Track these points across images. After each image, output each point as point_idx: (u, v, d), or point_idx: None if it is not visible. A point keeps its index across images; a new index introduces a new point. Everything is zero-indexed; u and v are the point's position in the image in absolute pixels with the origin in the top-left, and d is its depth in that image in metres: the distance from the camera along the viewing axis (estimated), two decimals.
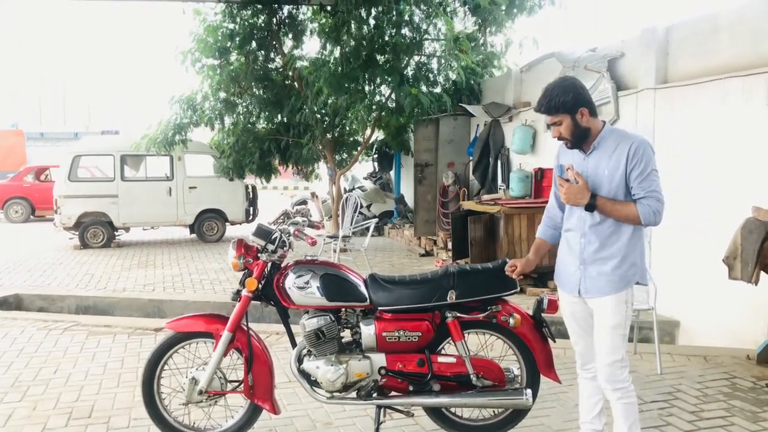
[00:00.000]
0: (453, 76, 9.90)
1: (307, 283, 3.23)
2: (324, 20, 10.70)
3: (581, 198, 2.78)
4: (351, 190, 13.26)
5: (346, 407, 3.82)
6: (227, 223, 12.31)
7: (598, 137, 2.86)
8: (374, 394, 3.26)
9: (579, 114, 2.80)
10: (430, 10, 9.36)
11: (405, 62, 9.93)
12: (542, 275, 7.50)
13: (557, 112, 2.80)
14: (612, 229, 2.84)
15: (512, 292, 3.27)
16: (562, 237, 3.05)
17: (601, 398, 3.07)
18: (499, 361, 3.36)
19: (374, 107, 10.20)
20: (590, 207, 2.79)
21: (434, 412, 3.42)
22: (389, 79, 9.58)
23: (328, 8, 10.32)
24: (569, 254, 2.98)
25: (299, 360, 3.32)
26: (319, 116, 10.77)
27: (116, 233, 11.85)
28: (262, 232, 3.30)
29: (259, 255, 3.28)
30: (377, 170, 15.10)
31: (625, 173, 2.78)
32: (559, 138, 2.88)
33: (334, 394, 3.27)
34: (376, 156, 14.83)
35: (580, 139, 2.85)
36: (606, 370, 2.87)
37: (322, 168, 13.83)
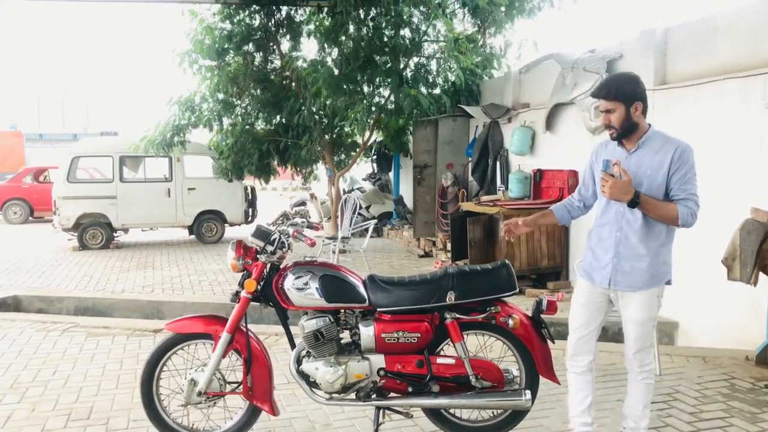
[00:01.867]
0: (452, 77, 9.91)
1: (306, 284, 3.23)
2: (320, 21, 10.70)
3: (626, 194, 2.82)
4: (350, 192, 13.27)
5: (345, 408, 3.82)
6: (226, 225, 12.31)
7: (644, 137, 2.94)
8: (373, 396, 3.26)
9: (634, 107, 2.88)
10: (429, 11, 9.36)
11: (404, 63, 9.93)
12: (541, 277, 7.50)
13: (615, 99, 2.87)
14: (648, 227, 2.92)
15: (511, 293, 3.27)
16: (595, 230, 3.13)
17: (589, 393, 3.14)
18: (498, 362, 3.36)
19: (373, 108, 10.21)
20: (633, 203, 2.83)
21: (433, 414, 3.42)
22: (388, 81, 9.58)
23: (326, 10, 10.32)
24: (602, 248, 3.05)
25: (298, 361, 3.31)
26: (317, 117, 10.76)
27: (115, 234, 11.84)
28: (261, 233, 3.30)
29: (258, 256, 3.28)
30: (376, 171, 15.11)
31: (667, 174, 2.87)
32: (607, 126, 2.93)
33: (333, 395, 3.27)
34: (375, 157, 14.84)
35: (627, 132, 2.93)
36: (636, 356, 3.01)
37: (321, 169, 13.82)
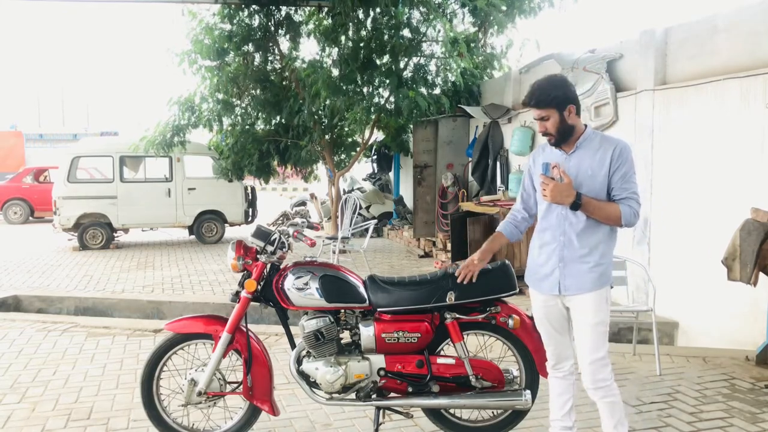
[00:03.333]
0: (452, 77, 9.91)
1: (306, 284, 3.24)
2: (319, 21, 10.70)
3: (567, 196, 2.78)
4: (350, 192, 13.27)
5: (345, 408, 3.82)
6: (226, 225, 12.31)
7: (582, 137, 2.92)
8: (373, 396, 3.26)
9: (567, 111, 2.84)
10: (429, 12, 9.36)
11: (404, 64, 9.93)
12: None
13: (546, 107, 2.83)
14: (591, 229, 2.88)
15: (511, 293, 3.27)
16: (536, 236, 3.06)
17: (570, 396, 3.10)
18: (498, 362, 3.37)
19: (372, 109, 10.21)
20: (575, 205, 2.80)
21: (433, 414, 3.42)
22: (387, 82, 9.58)
23: (326, 10, 10.32)
24: (545, 253, 2.98)
25: (298, 361, 3.32)
26: (317, 117, 10.77)
27: (115, 234, 11.85)
28: (261, 234, 3.31)
29: (258, 256, 3.29)
30: (376, 171, 15.11)
31: (608, 174, 2.84)
32: (544, 134, 2.90)
33: (333, 395, 3.27)
34: (375, 157, 14.83)
35: (565, 137, 2.89)
36: (588, 369, 2.89)
37: (321, 169, 13.82)
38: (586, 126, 2.96)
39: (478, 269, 3.17)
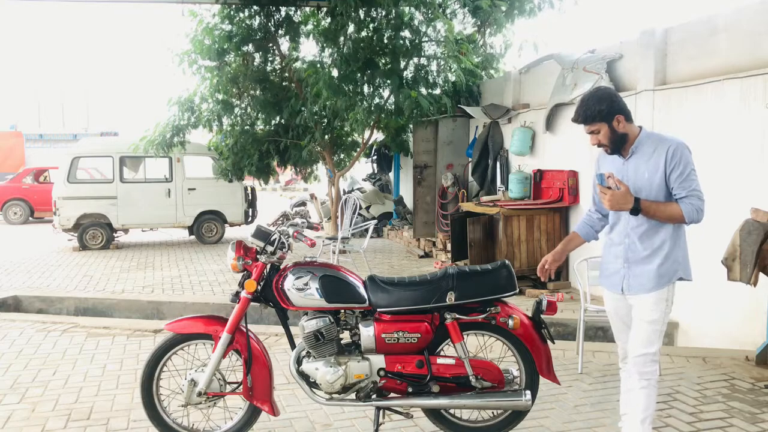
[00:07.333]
0: (452, 77, 9.91)
1: (306, 284, 3.24)
2: (318, 22, 10.69)
3: (625, 203, 2.89)
4: (350, 192, 13.27)
5: (345, 409, 3.83)
6: (226, 225, 12.32)
7: (636, 142, 2.99)
8: (373, 396, 3.27)
9: (615, 121, 2.94)
10: (430, 12, 9.36)
11: (404, 64, 9.93)
12: None
13: (594, 121, 2.95)
14: (653, 231, 2.97)
15: (511, 293, 3.27)
16: (607, 237, 3.18)
17: None
18: (499, 362, 3.37)
19: (373, 109, 10.21)
20: (635, 210, 2.90)
21: (433, 414, 3.42)
22: (388, 82, 9.58)
23: (325, 10, 10.32)
24: (613, 253, 3.11)
25: (298, 361, 3.32)
26: (317, 118, 10.77)
27: (115, 235, 11.85)
28: (261, 234, 3.31)
29: (258, 256, 3.29)
30: (376, 172, 15.10)
31: (665, 175, 2.92)
32: (598, 145, 3.02)
33: (333, 395, 3.27)
34: (375, 157, 14.83)
35: (618, 145, 2.99)
36: (637, 360, 2.99)
37: (321, 169, 13.82)
38: (641, 128, 3.02)
39: (554, 268, 3.28)
